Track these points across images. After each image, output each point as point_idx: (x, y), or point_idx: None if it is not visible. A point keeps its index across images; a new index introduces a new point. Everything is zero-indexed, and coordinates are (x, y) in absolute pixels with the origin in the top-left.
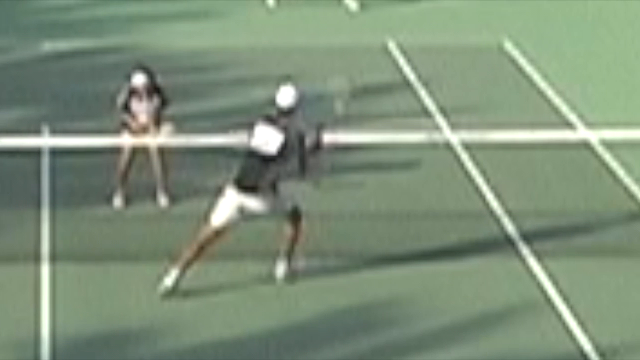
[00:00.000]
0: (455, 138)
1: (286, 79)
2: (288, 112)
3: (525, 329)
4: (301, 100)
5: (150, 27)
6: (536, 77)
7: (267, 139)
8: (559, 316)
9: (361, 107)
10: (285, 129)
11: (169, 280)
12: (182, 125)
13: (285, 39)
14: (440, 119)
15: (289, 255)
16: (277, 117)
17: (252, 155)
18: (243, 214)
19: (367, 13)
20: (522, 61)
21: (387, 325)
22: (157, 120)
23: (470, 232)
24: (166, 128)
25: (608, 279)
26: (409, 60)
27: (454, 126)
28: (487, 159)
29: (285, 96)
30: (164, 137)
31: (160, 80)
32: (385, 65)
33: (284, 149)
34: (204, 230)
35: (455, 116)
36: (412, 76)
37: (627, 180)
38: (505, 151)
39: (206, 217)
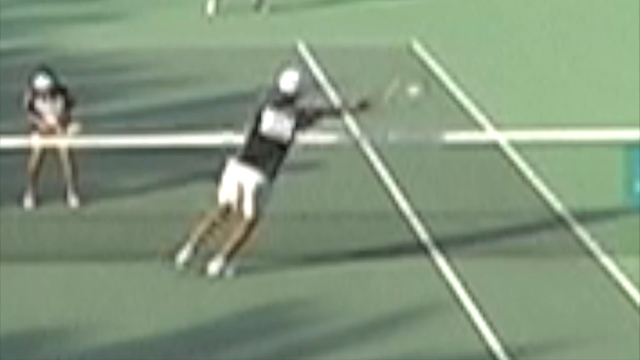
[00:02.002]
0: (364, 139)
1: (287, 64)
2: (293, 97)
3: (435, 329)
4: (305, 83)
5: (63, 28)
6: (445, 78)
7: (280, 124)
8: (467, 316)
9: None
10: (294, 114)
11: (184, 255)
12: (91, 126)
13: (197, 40)
14: (349, 120)
15: (230, 255)
16: (283, 102)
17: (262, 139)
18: (239, 192)
19: (277, 15)
20: (431, 62)
21: (297, 325)
22: (65, 120)
23: (379, 233)
24: (72, 129)
25: (517, 279)
26: (319, 62)
27: (363, 127)
28: (396, 159)
29: (290, 81)
30: (70, 138)
31: (69, 81)
32: (295, 66)
33: (295, 133)
34: (214, 208)
35: (364, 116)
36: (321, 77)
37: (536, 181)
38: (415, 152)
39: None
